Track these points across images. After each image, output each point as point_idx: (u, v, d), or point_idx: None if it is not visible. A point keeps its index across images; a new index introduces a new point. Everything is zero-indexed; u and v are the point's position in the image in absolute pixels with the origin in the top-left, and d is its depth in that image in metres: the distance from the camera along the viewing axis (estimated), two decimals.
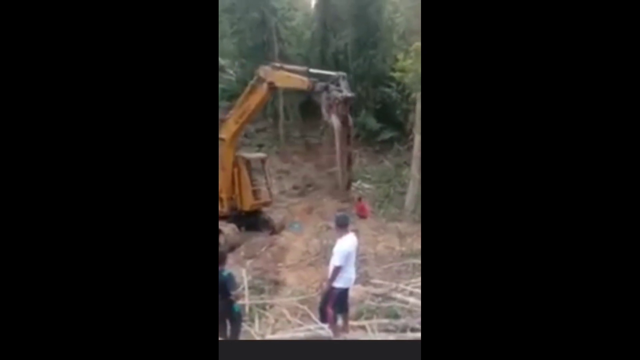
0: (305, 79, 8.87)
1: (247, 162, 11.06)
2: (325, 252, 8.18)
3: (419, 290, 6.04)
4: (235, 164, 10.51)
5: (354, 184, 12.95)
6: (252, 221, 10.88)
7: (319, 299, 5.41)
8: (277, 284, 7.94)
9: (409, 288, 6.58)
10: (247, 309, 6.41)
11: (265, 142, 17.02)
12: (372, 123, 16.72)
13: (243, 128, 10.85)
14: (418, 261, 7.60)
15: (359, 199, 12.92)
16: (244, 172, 10.70)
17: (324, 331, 5.05)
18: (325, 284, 5.11)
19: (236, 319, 4.73)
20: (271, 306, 6.85)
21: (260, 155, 12.45)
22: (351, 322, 5.22)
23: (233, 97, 14.22)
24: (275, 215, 11.44)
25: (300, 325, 5.88)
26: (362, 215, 11.96)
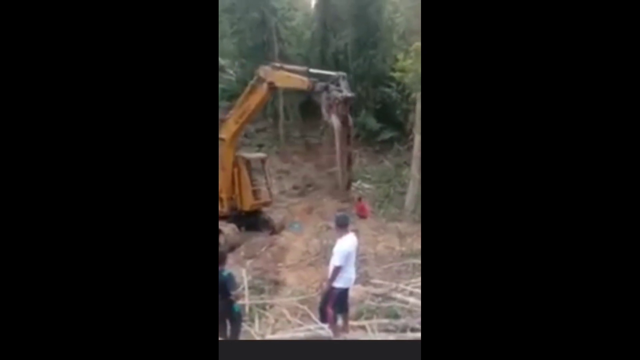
0: (305, 79, 8.87)
1: (247, 162, 11.06)
2: (325, 252, 8.18)
3: (419, 290, 6.05)
4: (235, 164, 10.52)
5: (354, 184, 12.95)
6: (252, 221, 10.89)
7: (319, 299, 5.41)
8: (277, 284, 7.94)
9: (409, 288, 6.58)
10: (247, 309, 6.41)
11: (265, 142, 17.03)
12: (372, 123, 16.72)
13: (243, 128, 10.86)
14: (418, 261, 7.60)
15: (359, 199, 12.92)
16: (244, 172, 10.70)
17: (324, 331, 5.05)
18: (325, 284, 5.12)
19: (236, 319, 4.73)
20: (271, 306, 6.85)
21: (260, 155, 12.46)
22: (351, 322, 5.23)
23: (233, 97, 14.22)
24: (275, 215, 11.45)
25: (300, 325, 5.88)
26: (362, 216, 11.96)
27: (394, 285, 6.88)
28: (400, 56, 12.68)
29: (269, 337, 5.55)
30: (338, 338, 4.71)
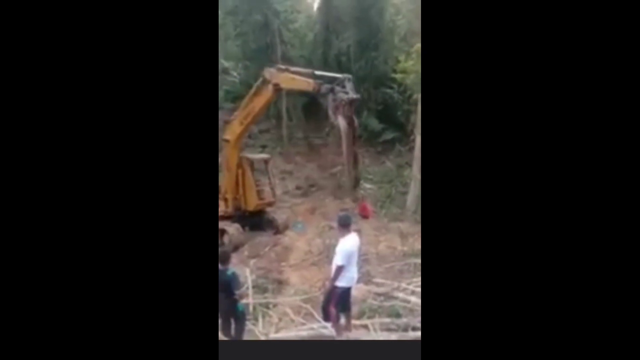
0: (310, 80, 8.84)
1: (251, 162, 11.09)
2: (328, 252, 8.17)
3: (420, 290, 6.11)
4: (239, 164, 10.57)
5: None
6: (256, 221, 10.91)
7: (321, 298, 5.45)
8: (280, 283, 7.97)
9: (410, 287, 6.62)
10: (251, 308, 6.45)
11: (269, 143, 17.03)
12: (374, 124, 16.72)
13: (248, 129, 10.84)
14: (419, 261, 7.61)
15: (362, 199, 12.95)
16: (248, 173, 10.72)
17: (327, 330, 5.10)
18: (328, 283, 5.16)
19: (240, 318, 4.79)
20: (275, 305, 6.87)
21: (264, 156, 12.47)
22: (353, 321, 5.28)
23: (237, 98, 14.24)
24: (278, 215, 11.46)
25: (303, 324, 5.92)
26: (364, 216, 11.93)
27: (395, 284, 6.92)
28: (402, 58, 12.70)
29: (273, 335, 5.58)
30: (341, 337, 4.74)
